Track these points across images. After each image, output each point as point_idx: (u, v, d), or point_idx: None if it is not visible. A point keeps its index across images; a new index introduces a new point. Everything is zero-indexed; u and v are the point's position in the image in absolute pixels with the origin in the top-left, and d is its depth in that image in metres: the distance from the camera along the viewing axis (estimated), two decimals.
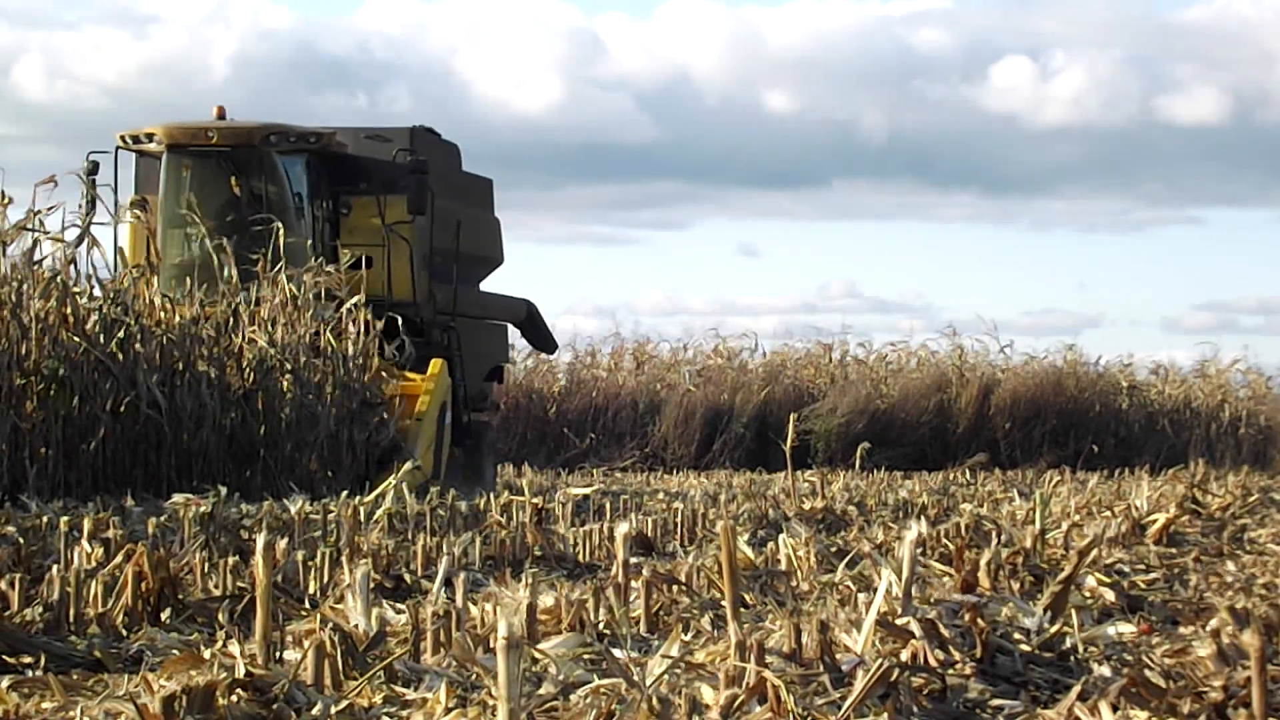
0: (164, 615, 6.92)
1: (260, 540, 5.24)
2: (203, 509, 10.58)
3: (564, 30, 56.41)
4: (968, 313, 57.34)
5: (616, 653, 5.32)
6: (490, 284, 21.74)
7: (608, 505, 13.23)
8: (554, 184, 55.76)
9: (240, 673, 4.72)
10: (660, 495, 15.73)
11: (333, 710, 4.69)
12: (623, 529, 6.88)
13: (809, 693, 4.86)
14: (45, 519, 10.09)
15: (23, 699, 4.94)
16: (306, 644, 5.01)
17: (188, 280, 16.87)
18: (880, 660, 4.89)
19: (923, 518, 11.73)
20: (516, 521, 11.07)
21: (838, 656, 5.15)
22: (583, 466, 25.60)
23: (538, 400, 28.35)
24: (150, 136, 18.50)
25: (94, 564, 7.78)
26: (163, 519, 10.13)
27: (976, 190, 56.48)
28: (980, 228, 58.62)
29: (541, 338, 22.97)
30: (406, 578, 8.37)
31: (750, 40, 54.82)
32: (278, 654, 5.31)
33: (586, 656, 5.42)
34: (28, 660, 5.88)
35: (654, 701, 4.46)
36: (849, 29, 56.24)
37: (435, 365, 17.99)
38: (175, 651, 5.82)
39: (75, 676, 5.46)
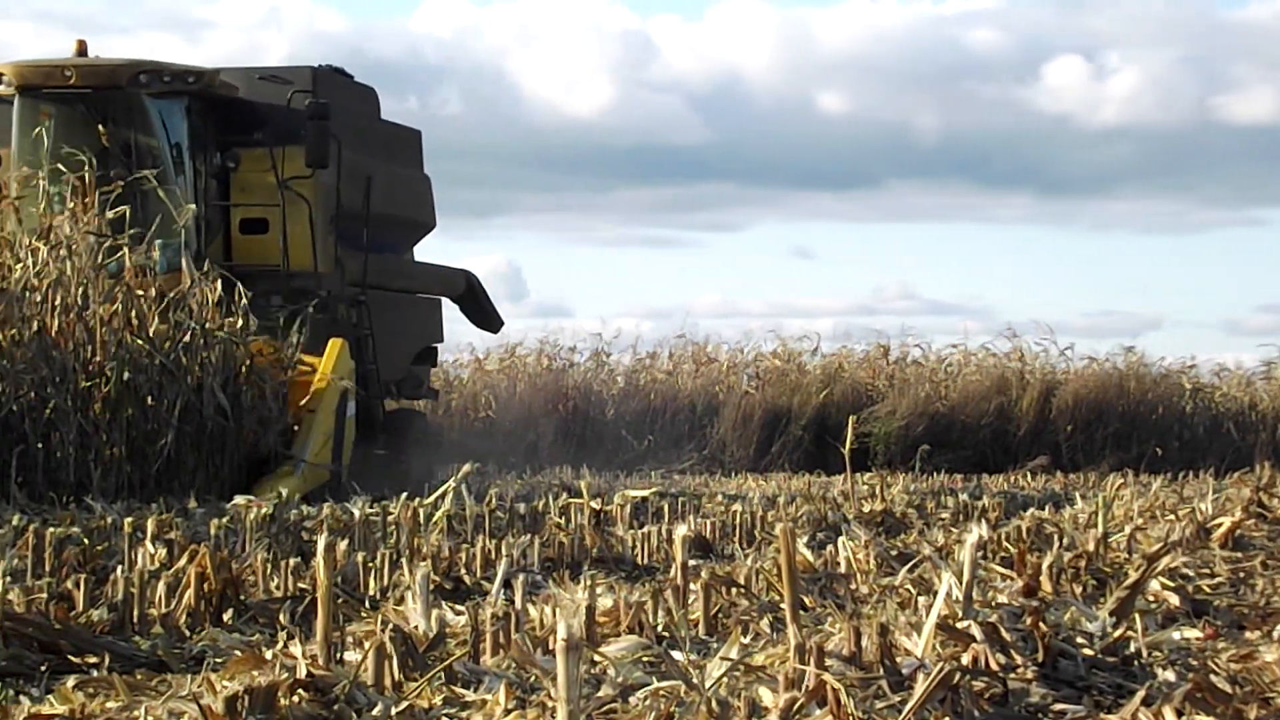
0: (226, 616, 6.96)
1: (321, 542, 5.26)
2: (264, 511, 10.63)
3: (616, 32, 56.47)
4: (1026, 315, 57.09)
5: (675, 655, 5.32)
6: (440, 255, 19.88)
7: (666, 507, 13.22)
8: (606, 186, 55.85)
9: (302, 673, 4.75)
10: (719, 497, 15.71)
11: (393, 711, 4.70)
12: (681, 531, 6.88)
13: (869, 696, 4.85)
14: (110, 520, 10.17)
15: (88, 698, 4.98)
16: (367, 645, 5.03)
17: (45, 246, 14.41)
18: (941, 664, 4.87)
19: (983, 521, 11.68)
20: (575, 524, 11.09)
21: (898, 660, 5.13)
22: (641, 469, 25.59)
23: (596, 402, 28.36)
24: None
25: (157, 565, 7.83)
26: (225, 520, 10.19)
27: (1032, 191, 56.23)
28: (1037, 229, 58.32)
29: (484, 315, 20.05)
30: (466, 579, 8.39)
31: (801, 41, 54.75)
32: (338, 655, 5.34)
33: (645, 659, 5.42)
34: (93, 660, 5.93)
35: (713, 704, 4.46)
36: (900, 29, 56.08)
37: (334, 346, 15.39)
38: (237, 652, 5.85)
39: (139, 676, 5.49)
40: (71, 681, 5.21)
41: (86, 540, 8.87)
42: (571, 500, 12.65)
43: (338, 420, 15.30)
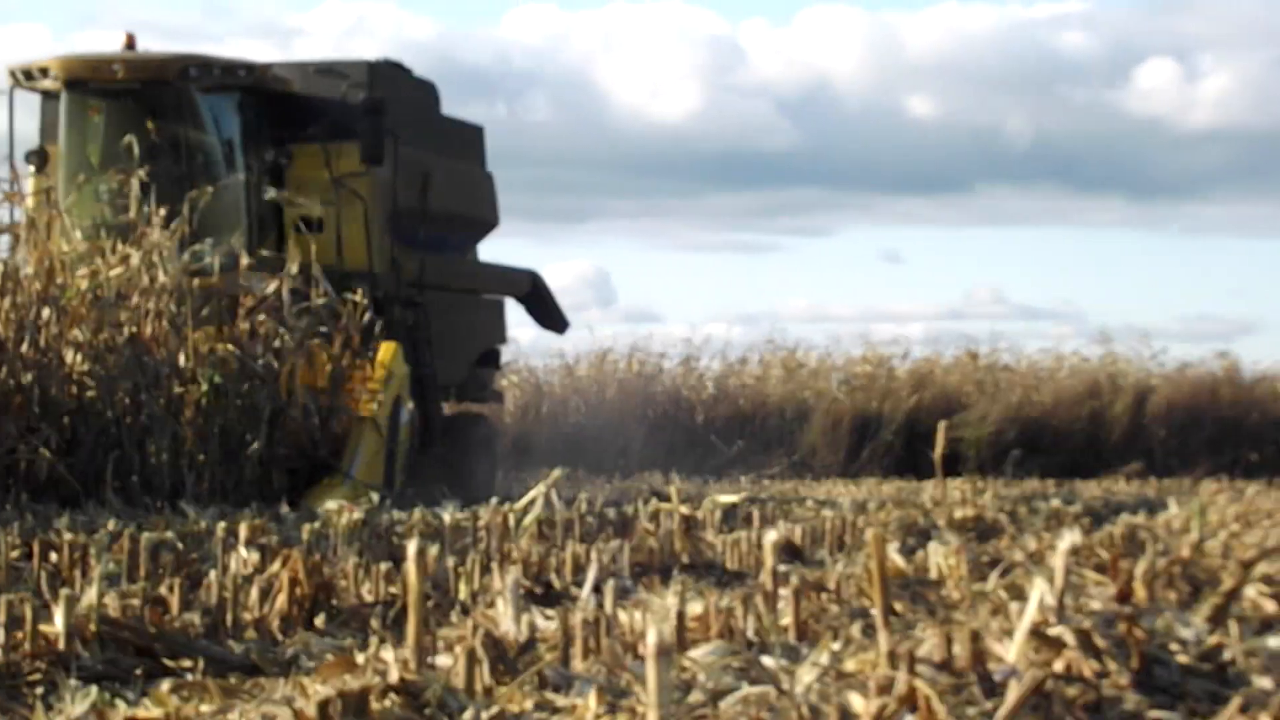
0: (318, 620, 7.00)
1: (412, 547, 5.29)
2: (355, 516, 10.69)
3: (704, 38, 56.52)
4: (1118, 319, 56.65)
5: (765, 660, 5.31)
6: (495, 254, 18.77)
7: (755, 513, 13.19)
8: (694, 191, 55.93)
9: (393, 678, 4.77)
10: (808, 503, 15.67)
11: (484, 715, 4.72)
12: (771, 537, 6.86)
13: (960, 702, 4.82)
14: (203, 525, 10.26)
15: (182, 701, 5.02)
16: (458, 649, 5.04)
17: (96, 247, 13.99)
18: (1033, 670, 4.84)
19: (1076, 526, 11.59)
20: (665, 529, 11.09)
21: (989, 666, 5.10)
22: (730, 474, 25.58)
23: (686, 407, 28.37)
24: (45, 71, 15.25)
25: (250, 569, 7.89)
26: (317, 525, 10.25)
27: (1124, 195, 55.81)
28: (1130, 233, 57.90)
29: (549, 315, 19.39)
30: (556, 584, 8.41)
31: (890, 45, 54.64)
32: (430, 659, 5.36)
33: (735, 664, 5.41)
34: (187, 663, 5.98)
35: (804, 709, 4.45)
36: (990, 32, 55.84)
37: (386, 351, 14.76)
38: (329, 656, 5.89)
39: (233, 680, 5.54)
40: (166, 685, 5.26)
41: (181, 545, 8.95)
42: (661, 505, 12.65)
43: (391, 428, 14.67)
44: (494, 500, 12.32)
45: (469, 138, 18.05)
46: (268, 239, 15.42)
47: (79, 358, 13.77)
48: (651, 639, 3.88)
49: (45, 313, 13.69)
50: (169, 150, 15.35)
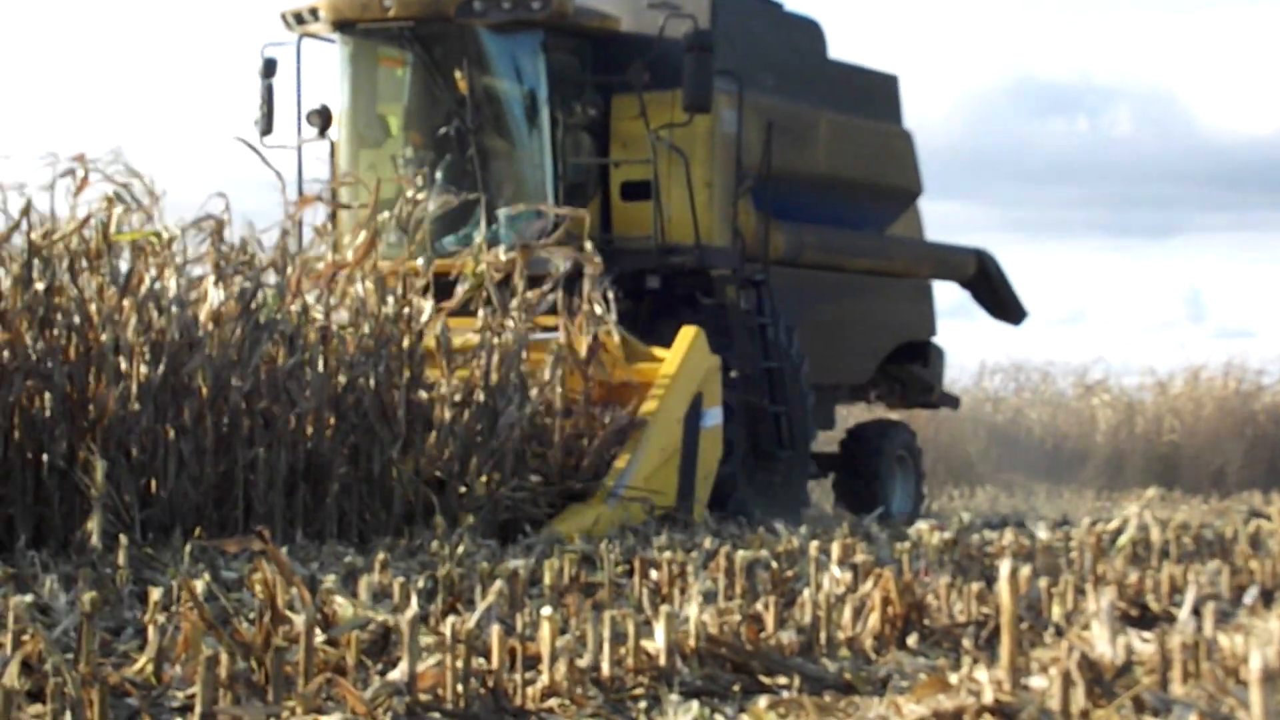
0: (910, 640, 7.03)
1: (1004, 567, 5.25)
2: (946, 535, 10.69)
3: None
4: None
5: None
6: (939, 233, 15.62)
7: None
8: None
9: (987, 699, 4.75)
10: None
11: None
12: None
13: None
14: (795, 543, 10.45)
15: (779, 718, 5.13)
16: (1053, 671, 4.98)
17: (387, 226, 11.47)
18: None
19: None
20: (1266, 550, 10.65)
21: None
22: None
23: None
24: (315, 14, 12.80)
25: (843, 588, 7.98)
26: (907, 545, 10.30)
27: None
28: None
29: (1002, 304, 16.15)
30: (1152, 606, 8.20)
31: None
32: (1024, 681, 5.31)
33: None
34: (783, 681, 6.11)
35: None
36: None
37: (684, 337, 11.84)
38: (922, 676, 5.90)
39: (827, 698, 5.62)
40: (764, 702, 5.38)
41: (775, 563, 9.14)
42: (1262, 525, 12.15)
43: (687, 433, 11.88)
44: (1085, 520, 12.09)
45: (873, 89, 14.92)
46: (585, 208, 12.56)
47: None
48: (1256, 663, 3.74)
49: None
50: (454, 103, 12.73)
